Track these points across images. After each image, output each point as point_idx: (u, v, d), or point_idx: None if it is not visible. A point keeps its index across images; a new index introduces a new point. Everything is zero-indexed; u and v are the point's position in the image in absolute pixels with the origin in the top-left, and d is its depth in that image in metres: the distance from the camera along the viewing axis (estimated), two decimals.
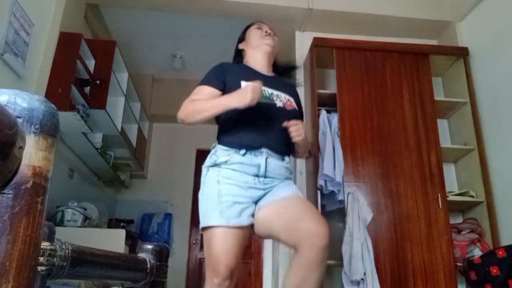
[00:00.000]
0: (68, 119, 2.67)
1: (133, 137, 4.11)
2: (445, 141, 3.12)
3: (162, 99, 4.85)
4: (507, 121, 2.72)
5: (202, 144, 4.93)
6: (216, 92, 1.70)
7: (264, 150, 1.62)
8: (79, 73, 2.88)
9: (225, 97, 1.61)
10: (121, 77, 3.58)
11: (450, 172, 3.10)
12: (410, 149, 2.81)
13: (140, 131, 4.31)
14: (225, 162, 1.59)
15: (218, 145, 1.67)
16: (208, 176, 1.62)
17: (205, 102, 1.63)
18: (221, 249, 1.52)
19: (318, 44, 3.05)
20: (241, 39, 1.97)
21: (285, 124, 1.63)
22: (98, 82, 3.00)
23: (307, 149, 1.89)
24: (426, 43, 3.35)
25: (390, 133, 2.84)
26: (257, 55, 1.86)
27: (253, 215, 1.58)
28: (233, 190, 1.56)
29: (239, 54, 1.96)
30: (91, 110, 2.99)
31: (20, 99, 0.50)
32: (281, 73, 1.95)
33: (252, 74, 1.75)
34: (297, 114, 1.78)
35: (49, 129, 0.51)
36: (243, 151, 1.60)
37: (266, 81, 1.70)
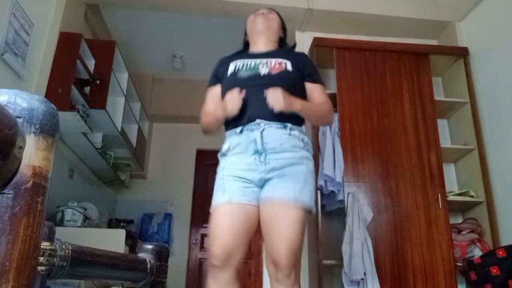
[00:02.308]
0: (68, 119, 2.67)
1: (133, 137, 4.11)
2: (445, 141, 3.12)
3: (162, 99, 4.85)
4: (507, 121, 2.72)
5: (202, 144, 4.94)
6: (214, 88, 1.79)
7: (260, 121, 1.57)
8: (79, 73, 2.88)
9: (217, 109, 1.68)
10: (121, 77, 3.58)
11: (450, 172, 3.10)
12: (410, 149, 2.81)
13: (140, 131, 4.31)
14: (228, 149, 1.61)
15: (225, 133, 1.70)
16: (219, 165, 1.65)
17: (208, 118, 1.73)
18: (217, 227, 1.47)
19: (318, 44, 3.05)
20: (245, 32, 1.99)
21: (265, 92, 1.56)
22: (98, 82, 3.00)
23: (311, 112, 1.69)
24: (426, 43, 3.35)
25: (390, 133, 2.84)
26: (256, 38, 1.87)
27: (256, 198, 1.52)
28: (235, 172, 1.55)
29: (246, 47, 1.96)
30: (91, 110, 2.99)
31: (20, 99, 0.50)
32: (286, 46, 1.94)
33: (243, 54, 1.85)
34: (287, 75, 1.67)
35: (49, 129, 0.51)
36: (239, 129, 1.59)
37: (257, 54, 1.77)
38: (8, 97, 0.50)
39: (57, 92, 2.58)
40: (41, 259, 0.58)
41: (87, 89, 3.00)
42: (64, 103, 2.58)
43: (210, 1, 3.18)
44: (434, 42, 3.48)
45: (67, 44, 2.75)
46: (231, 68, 1.74)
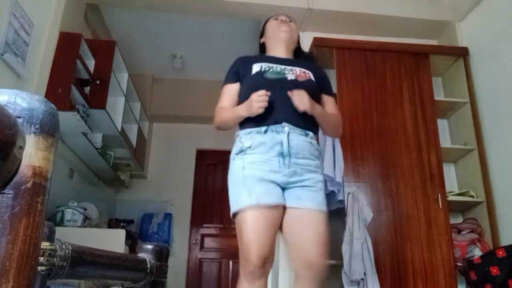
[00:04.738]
0: (68, 119, 2.66)
1: (133, 137, 4.11)
2: (445, 141, 3.12)
3: (162, 99, 4.85)
4: (507, 121, 2.72)
5: (202, 144, 4.96)
6: (233, 86, 1.79)
7: (285, 124, 1.60)
8: (79, 73, 2.88)
9: (239, 108, 1.68)
10: (121, 77, 3.58)
11: (450, 172, 3.10)
12: (410, 149, 2.81)
13: (140, 131, 4.31)
14: (249, 147, 1.60)
15: (240, 131, 1.69)
16: (234, 164, 1.63)
17: (226, 113, 1.72)
18: (252, 235, 1.49)
19: (318, 44, 3.05)
20: (262, 33, 1.99)
21: (289, 93, 1.60)
22: (98, 82, 3.00)
23: (327, 120, 1.75)
24: (426, 43, 3.35)
25: (390, 133, 2.84)
26: (276, 44, 1.88)
27: (282, 197, 1.56)
28: (258, 173, 1.55)
29: (262, 49, 1.97)
30: (91, 110, 2.99)
31: (20, 99, 0.50)
32: (302, 57, 1.96)
33: (266, 57, 1.85)
34: (312, 85, 1.73)
35: (49, 129, 0.51)
36: (264, 128, 1.60)
37: (280, 60, 1.78)
38: (8, 97, 0.50)
39: (57, 92, 2.58)
40: (41, 259, 0.58)
41: (87, 89, 3.00)
42: (64, 103, 2.58)
43: (210, 1, 3.18)
44: (434, 42, 3.48)
45: (67, 44, 2.75)
46: (255, 68, 1.75)
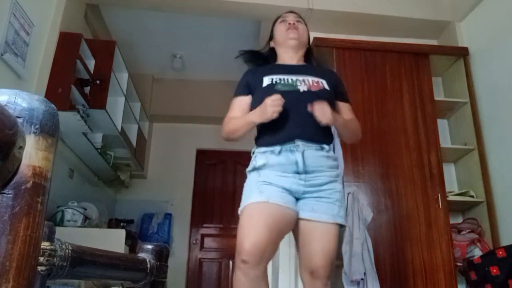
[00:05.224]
0: (68, 119, 2.66)
1: (133, 137, 4.11)
2: (445, 141, 3.12)
3: (162, 99, 4.85)
4: (507, 121, 2.72)
5: (202, 144, 4.96)
6: (244, 98, 1.74)
7: (299, 142, 1.55)
8: (79, 73, 2.88)
9: (250, 114, 1.64)
10: (121, 77, 3.58)
11: (450, 172, 3.10)
12: (410, 149, 2.81)
13: (140, 131, 4.31)
14: (264, 165, 1.57)
15: (256, 149, 1.66)
16: (249, 178, 1.61)
17: (236, 121, 1.68)
18: (253, 222, 1.45)
19: (318, 44, 3.04)
20: (270, 36, 1.92)
21: (309, 109, 1.54)
22: (98, 82, 3.00)
23: (348, 128, 1.72)
24: (426, 43, 3.35)
25: (390, 133, 2.84)
26: (285, 51, 1.83)
27: (294, 205, 1.53)
28: (273, 179, 1.53)
29: (272, 52, 1.90)
30: (91, 110, 2.99)
31: (20, 99, 0.50)
32: (312, 62, 1.91)
33: (277, 66, 1.80)
34: (326, 94, 1.67)
35: (49, 129, 0.51)
36: (278, 149, 1.56)
37: (291, 69, 1.73)
38: (8, 97, 0.50)
39: (57, 92, 2.58)
40: (41, 259, 0.58)
41: (87, 89, 3.00)
42: (64, 103, 2.58)
43: (210, 1, 3.18)
44: (434, 42, 3.48)
45: (67, 44, 2.75)
46: (266, 80, 1.70)
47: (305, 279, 1.55)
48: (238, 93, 1.77)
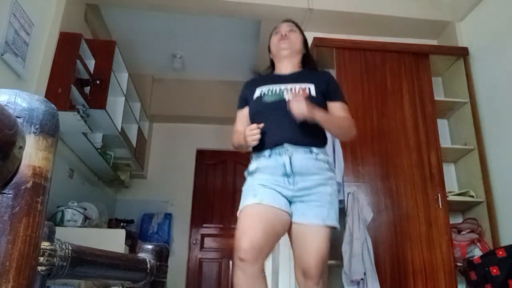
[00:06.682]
0: (68, 119, 2.66)
1: (133, 137, 4.11)
2: (445, 141, 3.12)
3: (162, 99, 4.85)
4: (507, 121, 2.72)
5: (202, 144, 4.96)
6: (243, 111, 1.87)
7: (287, 146, 1.63)
8: (79, 73, 2.88)
9: (242, 136, 1.71)
10: (121, 77, 3.58)
11: (450, 172, 3.10)
12: (410, 149, 2.81)
13: (140, 131, 4.31)
14: (257, 168, 1.68)
15: (252, 155, 1.76)
16: (246, 182, 1.73)
17: (239, 137, 1.77)
18: (249, 222, 1.55)
19: (318, 44, 3.05)
20: (269, 49, 1.99)
21: (288, 107, 1.61)
22: (98, 82, 3.00)
23: (334, 124, 1.74)
24: (426, 43, 3.35)
25: (390, 133, 2.84)
26: (280, 62, 1.91)
27: (287, 206, 1.61)
28: (266, 182, 1.63)
29: (273, 64, 1.99)
30: (91, 110, 2.99)
31: (20, 99, 0.50)
32: (309, 65, 1.95)
33: (270, 77, 1.90)
34: (310, 100, 1.67)
35: (49, 129, 0.51)
36: (267, 153, 1.66)
37: (282, 79, 1.81)
38: (8, 97, 0.50)
39: (57, 92, 2.58)
40: (41, 259, 0.58)
41: (87, 89, 3.00)
42: (64, 103, 2.58)
43: (210, 1, 3.18)
44: (434, 42, 3.48)
45: (67, 44, 2.75)
46: (257, 93, 1.80)
47: (298, 279, 1.63)
48: (238, 106, 1.90)
